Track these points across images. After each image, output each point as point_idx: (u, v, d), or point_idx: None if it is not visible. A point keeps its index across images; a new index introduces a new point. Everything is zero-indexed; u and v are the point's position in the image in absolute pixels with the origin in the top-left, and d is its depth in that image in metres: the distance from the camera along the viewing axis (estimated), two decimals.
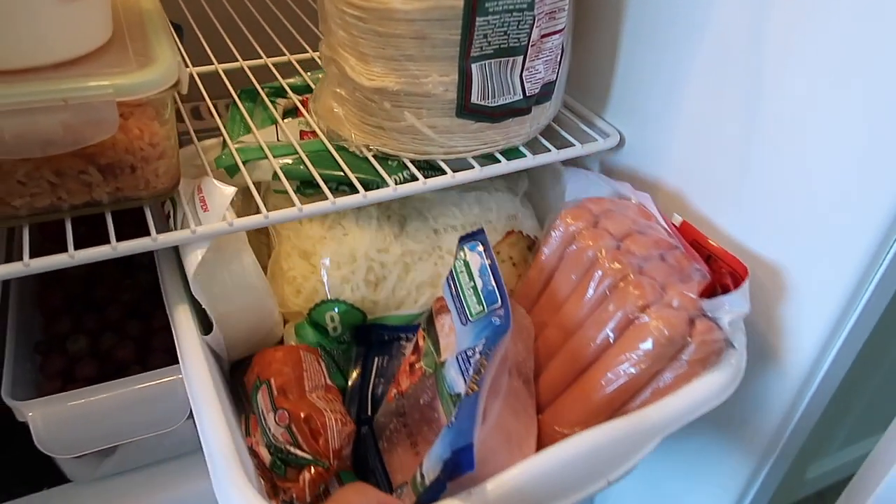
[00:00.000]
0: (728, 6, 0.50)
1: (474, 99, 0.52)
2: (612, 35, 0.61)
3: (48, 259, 0.43)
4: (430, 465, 0.39)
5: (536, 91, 0.55)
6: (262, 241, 0.62)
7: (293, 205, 0.50)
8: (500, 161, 0.56)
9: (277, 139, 0.61)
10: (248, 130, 0.60)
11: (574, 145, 0.60)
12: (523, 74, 0.53)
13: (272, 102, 0.65)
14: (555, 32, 0.53)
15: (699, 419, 0.47)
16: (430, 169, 0.57)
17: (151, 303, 0.65)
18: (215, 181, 0.51)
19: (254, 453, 0.46)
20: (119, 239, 0.45)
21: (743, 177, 0.53)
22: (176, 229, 0.49)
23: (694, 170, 0.57)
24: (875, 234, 0.46)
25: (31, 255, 0.43)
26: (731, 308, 0.48)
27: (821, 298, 0.50)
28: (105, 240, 0.45)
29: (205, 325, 0.51)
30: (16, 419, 0.51)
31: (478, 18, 0.48)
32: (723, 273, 0.51)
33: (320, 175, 0.54)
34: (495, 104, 0.53)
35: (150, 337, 0.62)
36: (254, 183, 0.54)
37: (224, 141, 0.59)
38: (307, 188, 0.56)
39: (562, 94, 0.61)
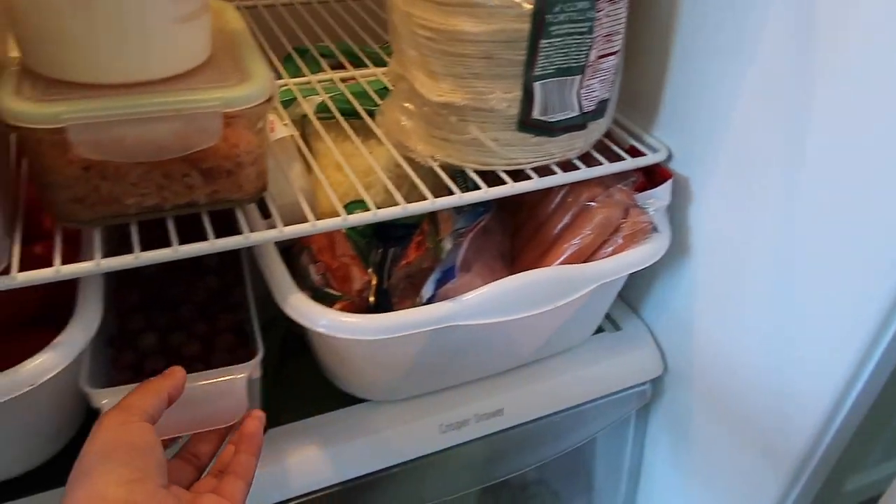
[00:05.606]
0: (774, 29, 0.54)
1: (535, 115, 0.56)
2: (660, 57, 0.65)
3: (155, 253, 0.48)
4: (426, 289, 0.58)
5: (592, 108, 0.59)
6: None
7: (331, 132, 0.67)
8: (556, 173, 0.61)
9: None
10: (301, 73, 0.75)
11: (625, 159, 0.63)
12: (581, 92, 0.57)
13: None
14: (611, 53, 0.57)
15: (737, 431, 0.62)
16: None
17: (218, 305, 0.68)
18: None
19: None
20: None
21: (786, 189, 0.56)
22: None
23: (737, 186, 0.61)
24: None
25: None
26: (657, 200, 0.64)
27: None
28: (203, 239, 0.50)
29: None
30: None
31: (542, 41, 0.53)
32: (658, 182, 0.65)
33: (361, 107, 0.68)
34: (554, 120, 0.57)
35: (215, 337, 0.65)
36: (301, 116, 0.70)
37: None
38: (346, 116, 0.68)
39: (613, 111, 0.65)
